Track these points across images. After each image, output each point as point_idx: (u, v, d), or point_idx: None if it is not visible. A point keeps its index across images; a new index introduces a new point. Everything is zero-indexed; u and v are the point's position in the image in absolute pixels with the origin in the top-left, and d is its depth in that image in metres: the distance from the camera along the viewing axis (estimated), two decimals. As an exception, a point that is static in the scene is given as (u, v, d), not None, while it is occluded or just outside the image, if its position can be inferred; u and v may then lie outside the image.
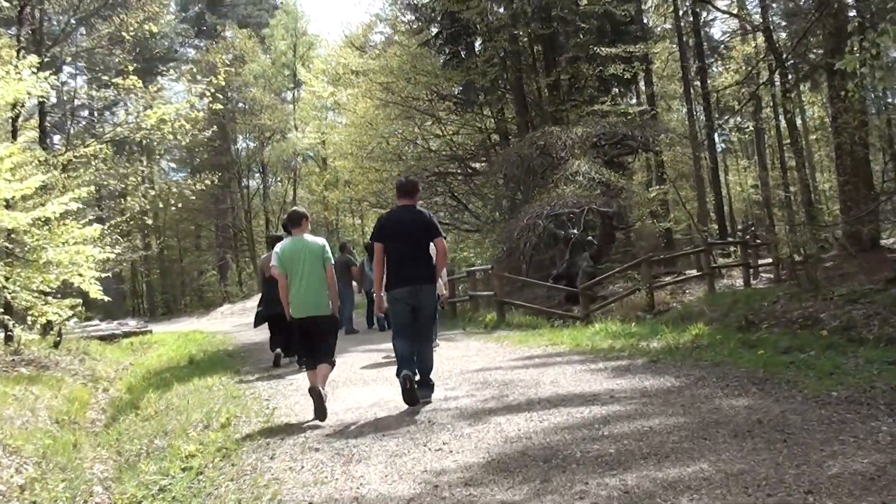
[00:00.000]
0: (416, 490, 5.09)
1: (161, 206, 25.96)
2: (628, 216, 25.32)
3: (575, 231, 20.16)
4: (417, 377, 8.00)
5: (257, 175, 57.53)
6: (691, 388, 7.29)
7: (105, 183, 23.08)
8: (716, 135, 39.51)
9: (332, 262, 8.50)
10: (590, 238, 20.69)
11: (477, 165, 30.77)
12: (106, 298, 16.44)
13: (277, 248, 8.69)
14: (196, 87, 21.96)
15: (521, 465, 5.31)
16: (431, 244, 8.31)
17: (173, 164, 61.80)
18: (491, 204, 27.11)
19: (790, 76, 28.29)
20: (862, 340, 10.59)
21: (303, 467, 5.97)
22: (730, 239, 29.29)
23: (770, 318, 12.81)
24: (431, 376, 8.37)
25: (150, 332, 27.92)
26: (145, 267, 55.91)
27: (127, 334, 26.35)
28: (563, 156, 20.60)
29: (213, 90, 20.69)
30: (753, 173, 43.86)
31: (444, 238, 8.69)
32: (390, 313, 8.44)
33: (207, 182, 23.54)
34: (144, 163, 25.93)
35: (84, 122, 35.88)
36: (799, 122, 37.65)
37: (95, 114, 33.91)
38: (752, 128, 37.66)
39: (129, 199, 21.83)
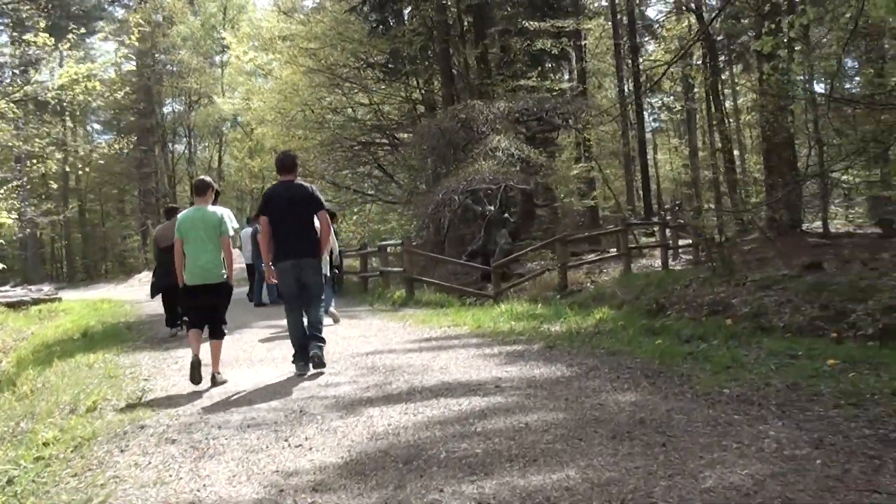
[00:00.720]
0: (260, 495, 4.60)
1: (68, 169, 24.88)
2: (552, 193, 24.90)
3: (491, 207, 19.74)
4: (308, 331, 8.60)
5: (184, 139, 56.39)
6: (581, 379, 6.91)
7: (10, 144, 22.05)
8: (646, 113, 39.50)
9: (230, 233, 8.58)
10: (506, 215, 20.28)
11: (404, 136, 30.16)
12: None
13: (179, 215, 8.92)
14: (114, 48, 21.00)
15: (380, 467, 4.86)
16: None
17: (97, 126, 60.42)
18: (412, 176, 26.53)
19: (722, 57, 28.25)
20: (770, 329, 10.34)
21: (150, 463, 5.43)
22: (654, 219, 29.08)
23: (681, 303, 12.55)
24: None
25: (60, 299, 26.95)
26: (62, 231, 54.56)
27: (36, 301, 25.37)
28: (484, 130, 20.09)
29: (126, 51, 19.88)
30: (684, 153, 43.83)
31: (330, 211, 9.38)
32: (279, 286, 8.82)
33: (118, 146, 22.61)
34: (57, 124, 24.58)
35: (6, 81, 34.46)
36: (729, 104, 37.73)
37: (17, 72, 32.46)
38: (680, 107, 37.54)
39: (35, 161, 20.82)
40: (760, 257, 18.10)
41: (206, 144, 56.25)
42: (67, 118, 28.28)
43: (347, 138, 28.90)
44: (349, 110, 30.87)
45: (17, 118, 21.68)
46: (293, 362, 8.58)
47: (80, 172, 40.32)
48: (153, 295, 13.63)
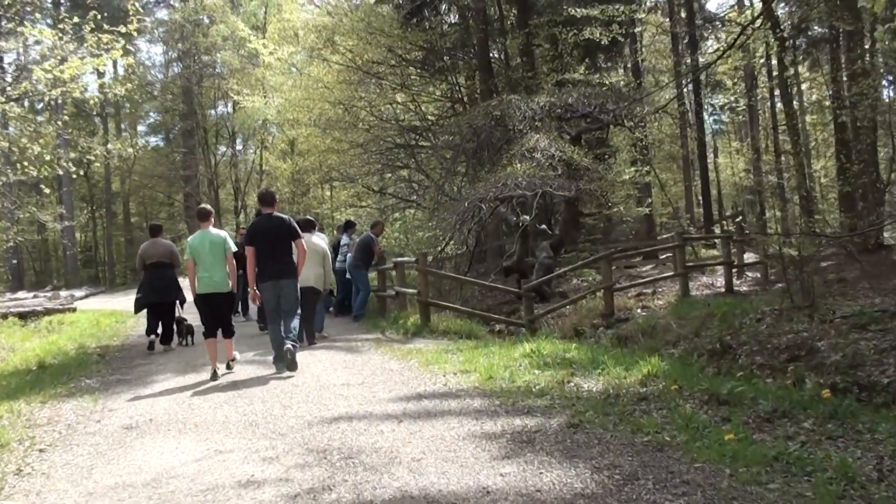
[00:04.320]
0: None
1: (63, 172, 22.94)
2: (600, 200, 22.18)
3: (526, 217, 17.30)
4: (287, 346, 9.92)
5: (227, 142, 54.58)
6: None
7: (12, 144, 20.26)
8: (706, 113, 36.78)
9: (234, 250, 10.54)
10: (543, 226, 17.79)
11: (447, 137, 27.77)
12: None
13: (189, 238, 10.72)
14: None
15: None
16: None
17: (141, 128, 59.08)
18: (439, 182, 23.97)
19: (788, 50, 25.59)
20: (869, 388, 7.89)
21: None
22: (715, 230, 26.43)
23: (752, 343, 10.03)
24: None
25: (74, 309, 25.02)
26: (104, 234, 53.66)
27: (49, 311, 23.47)
28: (521, 129, 17.59)
29: (121, 42, 17.87)
30: (745, 156, 40.83)
31: (302, 221, 11.98)
32: (263, 302, 10.43)
33: (115, 146, 20.77)
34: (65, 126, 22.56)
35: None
36: (795, 104, 34.94)
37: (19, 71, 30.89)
38: (744, 105, 34.64)
39: (26, 164, 19.04)
40: (842, 279, 15.47)
41: (252, 148, 54.25)
42: (63, 115, 26.01)
43: (383, 139, 26.71)
44: (386, 108, 28.58)
45: (18, 117, 20.03)
46: (273, 362, 10.12)
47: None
48: (137, 310, 13.85)
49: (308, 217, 14.06)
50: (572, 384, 7.93)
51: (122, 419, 7.73)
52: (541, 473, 5.09)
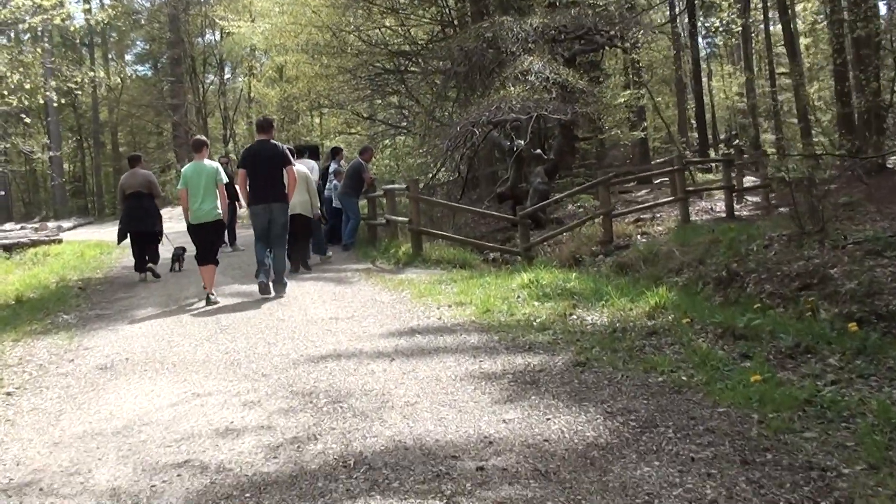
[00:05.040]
0: None
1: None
2: (595, 124, 21.52)
3: (520, 142, 16.69)
4: (272, 277, 10.44)
5: (215, 70, 53.35)
6: (626, 457, 3.91)
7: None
8: (699, 36, 36.00)
9: (225, 182, 10.79)
10: (538, 151, 17.20)
11: (438, 63, 26.99)
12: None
13: (183, 168, 11.03)
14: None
15: None
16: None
17: (129, 58, 57.84)
18: (429, 107, 23.24)
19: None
20: (892, 318, 7.45)
21: None
22: (710, 153, 25.84)
23: (761, 270, 9.55)
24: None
25: (60, 241, 24.50)
26: (92, 164, 53.01)
27: (36, 242, 22.95)
28: (514, 51, 16.91)
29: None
30: (739, 80, 40.11)
31: (292, 150, 12.44)
32: (252, 224, 10.81)
33: (98, 74, 20.11)
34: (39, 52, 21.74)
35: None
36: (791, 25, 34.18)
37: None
38: (739, 26, 33.89)
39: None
40: (847, 204, 14.97)
41: (240, 75, 53.08)
42: (44, 44, 25.30)
43: (372, 64, 25.99)
44: (375, 32, 27.70)
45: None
46: (255, 276, 10.62)
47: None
48: (119, 241, 13.75)
49: (289, 146, 13.57)
50: (575, 317, 7.48)
51: (97, 358, 7.28)
52: (548, 420, 4.64)
